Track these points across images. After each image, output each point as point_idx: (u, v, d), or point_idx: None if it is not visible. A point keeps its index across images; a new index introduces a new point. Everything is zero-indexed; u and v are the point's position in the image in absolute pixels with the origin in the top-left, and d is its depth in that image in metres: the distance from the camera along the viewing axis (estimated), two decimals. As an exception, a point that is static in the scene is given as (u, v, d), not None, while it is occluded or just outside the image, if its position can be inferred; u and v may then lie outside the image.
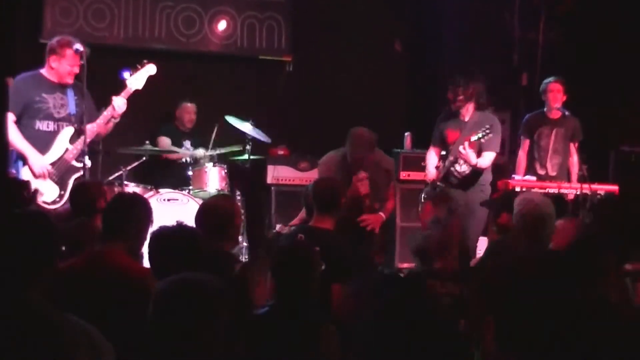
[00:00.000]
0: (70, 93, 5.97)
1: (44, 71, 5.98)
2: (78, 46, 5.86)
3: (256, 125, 7.48)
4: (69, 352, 2.31)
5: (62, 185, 5.94)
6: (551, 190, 6.63)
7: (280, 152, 8.39)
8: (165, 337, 2.39)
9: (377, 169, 6.27)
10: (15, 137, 5.77)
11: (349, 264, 4.36)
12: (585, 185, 6.45)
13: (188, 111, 8.25)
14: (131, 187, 7.28)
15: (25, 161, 5.84)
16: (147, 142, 7.59)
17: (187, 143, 8.17)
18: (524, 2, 8.68)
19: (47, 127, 5.91)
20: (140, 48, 8.43)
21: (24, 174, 5.84)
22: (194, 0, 8.61)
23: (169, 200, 7.32)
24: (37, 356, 2.27)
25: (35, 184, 5.76)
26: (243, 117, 7.48)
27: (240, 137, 7.56)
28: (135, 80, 6.18)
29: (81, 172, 5.94)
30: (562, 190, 6.69)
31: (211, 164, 7.59)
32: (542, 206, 4.70)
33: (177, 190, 7.47)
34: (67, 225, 4.19)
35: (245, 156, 7.54)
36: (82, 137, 5.87)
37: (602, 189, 6.64)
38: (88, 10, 8.30)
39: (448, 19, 8.85)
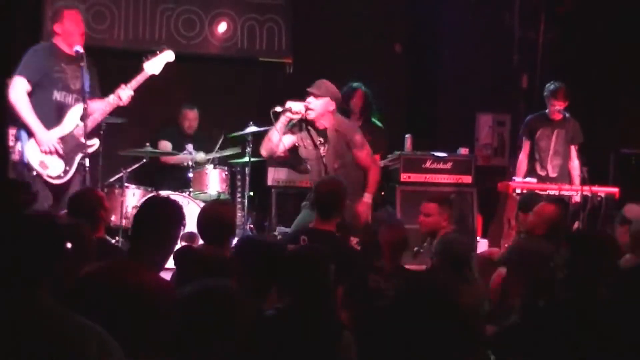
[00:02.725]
0: (83, 69, 5.80)
1: (56, 41, 5.89)
2: (78, 48, 5.84)
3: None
4: (80, 351, 2.31)
5: (67, 161, 5.87)
6: (552, 192, 6.64)
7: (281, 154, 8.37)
8: (188, 342, 2.40)
9: (336, 135, 6.00)
10: (26, 110, 5.70)
11: (352, 266, 4.36)
12: (586, 188, 6.46)
13: (188, 118, 8.21)
14: (132, 189, 7.28)
15: (31, 134, 5.74)
16: (148, 144, 7.58)
17: (190, 146, 8.14)
18: (524, 2, 8.68)
19: (64, 99, 5.84)
20: (140, 50, 8.40)
21: (29, 147, 5.76)
22: (194, 2, 8.60)
23: (169, 202, 7.32)
24: (48, 355, 2.28)
25: (40, 157, 5.74)
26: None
27: (240, 139, 7.55)
28: (152, 65, 6.11)
29: (88, 151, 5.81)
30: (563, 192, 6.70)
31: (212, 165, 7.60)
32: None
33: (177, 192, 7.47)
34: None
35: (246, 158, 7.53)
36: (91, 116, 5.81)
37: (602, 191, 6.65)
38: (88, 12, 8.25)
39: (448, 20, 8.84)
